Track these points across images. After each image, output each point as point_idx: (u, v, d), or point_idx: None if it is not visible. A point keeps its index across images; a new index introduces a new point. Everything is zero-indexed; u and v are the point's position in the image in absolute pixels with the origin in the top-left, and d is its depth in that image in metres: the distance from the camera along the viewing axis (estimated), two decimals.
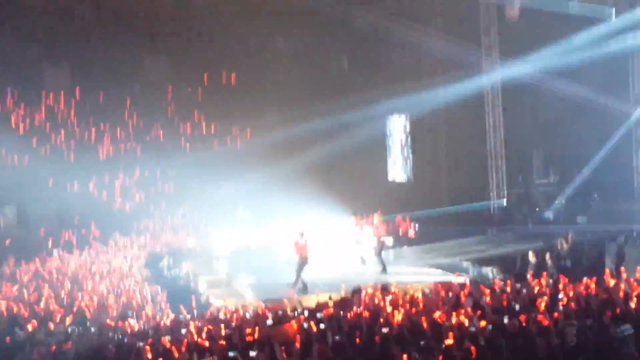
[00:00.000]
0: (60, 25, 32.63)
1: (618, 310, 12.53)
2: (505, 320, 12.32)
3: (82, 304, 16.97)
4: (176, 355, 11.77)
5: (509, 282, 16.80)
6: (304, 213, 25.16)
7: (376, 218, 22.02)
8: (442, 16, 30.62)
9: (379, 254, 21.65)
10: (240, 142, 34.23)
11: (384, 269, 21.28)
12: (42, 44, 32.75)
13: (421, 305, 14.68)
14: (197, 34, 33.38)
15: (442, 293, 16.13)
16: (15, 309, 16.33)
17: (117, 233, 26.33)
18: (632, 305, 12.99)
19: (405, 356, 10.49)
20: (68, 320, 15.08)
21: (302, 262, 19.99)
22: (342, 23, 33.29)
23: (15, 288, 18.76)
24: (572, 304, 13.35)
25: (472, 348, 10.79)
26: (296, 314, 14.63)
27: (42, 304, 16.93)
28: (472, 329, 11.89)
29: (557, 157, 29.75)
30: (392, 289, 17.13)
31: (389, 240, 23.26)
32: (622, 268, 17.79)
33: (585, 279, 15.90)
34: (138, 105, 34.81)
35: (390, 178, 34.23)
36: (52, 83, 35.12)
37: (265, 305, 16.70)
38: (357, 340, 12.14)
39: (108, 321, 15.17)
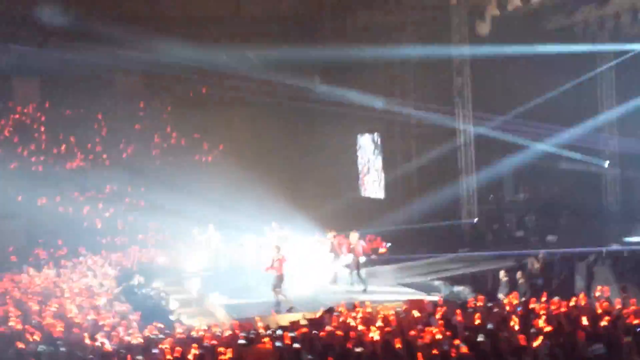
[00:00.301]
0: (32, 37, 32.42)
1: (589, 330, 12.62)
2: (478, 340, 12.35)
3: (52, 322, 16.74)
4: None
5: (481, 301, 16.85)
6: (276, 229, 25.16)
7: (353, 236, 21.96)
8: (414, 34, 30.47)
9: (357, 272, 21.59)
10: (211, 157, 34.21)
11: (365, 289, 21.24)
12: (12, 55, 32.51)
13: (394, 324, 14.68)
14: (168, 47, 33.35)
15: (415, 312, 16.16)
16: None
17: (87, 250, 26.07)
18: (603, 324, 13.08)
19: None
20: (37, 340, 14.81)
21: (279, 279, 19.87)
22: (314, 39, 33.43)
23: None
24: (544, 323, 13.42)
25: None
26: (269, 334, 14.55)
27: (10, 323, 16.64)
28: (445, 348, 11.90)
29: (526, 175, 29.95)
30: (365, 308, 17.12)
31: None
32: (594, 287, 17.96)
33: (556, 298, 16.01)
34: (109, 119, 34.72)
35: (362, 194, 34.33)
36: (21, 96, 34.93)
37: (237, 324, 16.60)
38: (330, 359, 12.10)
39: (78, 341, 14.96)
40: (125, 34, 30.29)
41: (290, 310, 19.15)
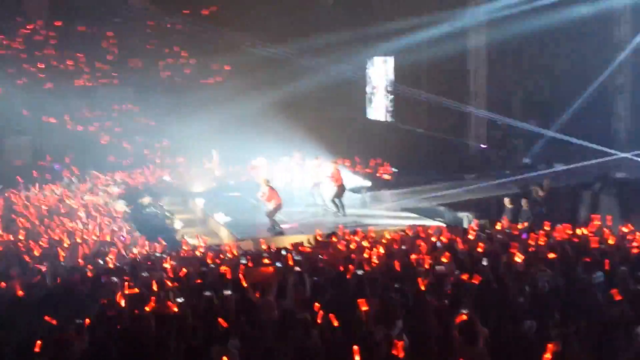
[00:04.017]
0: None
1: (591, 258, 12.62)
2: (479, 265, 12.37)
3: (56, 239, 16.90)
4: (151, 292, 11.75)
5: (484, 227, 16.88)
6: (295, 155, 25.35)
7: (330, 166, 21.92)
8: None
9: (332, 199, 21.56)
10: (219, 79, 33.92)
11: (340, 211, 21.28)
12: None
13: (396, 248, 14.73)
14: None
15: (417, 237, 16.21)
16: None
17: (93, 168, 26.13)
18: (603, 253, 13.07)
19: (377, 300, 10.55)
20: (41, 256, 14.94)
21: (276, 207, 19.94)
22: None
23: None
24: (546, 251, 13.43)
25: (445, 291, 10.87)
26: (271, 255, 14.62)
27: (15, 238, 16.82)
28: (446, 272, 11.95)
29: (537, 101, 29.61)
30: (368, 232, 17.21)
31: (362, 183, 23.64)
32: (596, 216, 17.90)
33: (559, 226, 16.00)
34: (118, 37, 34.34)
35: (369, 119, 34.05)
36: (30, 11, 34.53)
37: (240, 244, 16.73)
38: (332, 282, 12.17)
39: (82, 257, 15.10)
40: None
41: (280, 234, 19.33)
